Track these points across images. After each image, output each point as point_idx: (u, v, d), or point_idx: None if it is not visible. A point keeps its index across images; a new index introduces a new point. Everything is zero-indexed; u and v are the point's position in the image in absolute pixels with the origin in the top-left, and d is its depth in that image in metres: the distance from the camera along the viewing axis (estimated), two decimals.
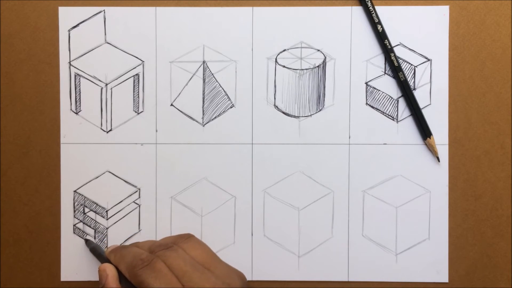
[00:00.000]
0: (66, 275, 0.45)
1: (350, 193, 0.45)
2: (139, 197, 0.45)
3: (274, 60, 0.45)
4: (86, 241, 0.45)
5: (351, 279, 0.45)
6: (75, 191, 0.45)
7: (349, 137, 0.45)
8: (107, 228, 0.45)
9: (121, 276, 0.39)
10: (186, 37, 0.45)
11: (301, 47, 0.45)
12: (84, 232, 0.45)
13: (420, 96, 0.45)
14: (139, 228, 0.45)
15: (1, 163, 0.45)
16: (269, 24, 0.45)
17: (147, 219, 0.45)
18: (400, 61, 0.45)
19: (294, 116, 0.45)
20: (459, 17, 0.45)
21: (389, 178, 0.45)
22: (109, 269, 0.39)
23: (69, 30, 0.45)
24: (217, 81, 0.45)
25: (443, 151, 0.45)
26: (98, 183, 0.45)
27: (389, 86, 0.45)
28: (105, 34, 0.45)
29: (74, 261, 0.45)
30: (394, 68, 0.44)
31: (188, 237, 0.41)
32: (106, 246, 0.45)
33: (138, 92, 0.45)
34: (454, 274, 0.45)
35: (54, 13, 0.45)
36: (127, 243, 0.45)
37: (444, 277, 0.45)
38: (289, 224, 0.45)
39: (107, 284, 0.39)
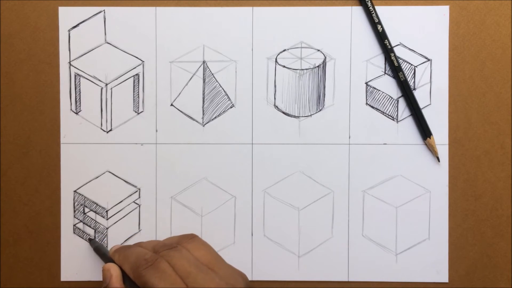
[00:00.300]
0: (66, 275, 0.45)
1: (350, 193, 0.45)
2: (139, 197, 0.45)
3: (274, 60, 0.45)
4: (90, 240, 0.45)
5: (351, 279, 0.45)
6: (75, 191, 0.45)
7: (349, 137, 0.45)
8: (107, 228, 0.45)
9: (125, 276, 0.39)
10: (186, 37, 0.45)
11: (301, 47, 0.45)
12: (84, 232, 0.45)
13: (420, 96, 0.45)
14: (139, 228, 0.45)
15: (1, 163, 0.45)
16: (269, 24, 0.45)
17: (147, 219, 0.45)
18: (400, 61, 0.45)
19: (294, 116, 0.45)
20: (459, 17, 0.45)
21: (389, 178, 0.45)
22: (113, 269, 0.39)
23: (69, 30, 0.45)
24: (217, 81, 0.45)
25: (443, 151, 0.45)
26: (98, 183, 0.45)
27: (389, 86, 0.45)
28: (105, 34, 0.45)
29: (74, 261, 0.45)
30: (394, 68, 0.44)
31: (192, 237, 0.41)
32: (107, 245, 0.45)
33: (138, 92, 0.45)
34: (454, 274, 0.45)
35: (54, 13, 0.45)
36: (127, 243, 0.45)
37: (444, 277, 0.45)
38: (289, 224, 0.45)
39: (111, 284, 0.39)
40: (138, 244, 0.42)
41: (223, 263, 0.40)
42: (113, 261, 0.41)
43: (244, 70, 0.45)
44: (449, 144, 0.45)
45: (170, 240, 0.42)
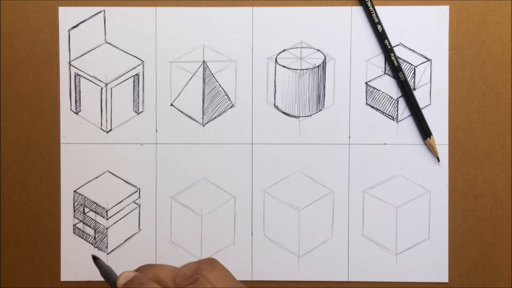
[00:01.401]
0: (66, 275, 0.45)
1: (350, 193, 0.45)
2: (139, 197, 0.45)
3: (274, 60, 0.45)
4: (95, 260, 0.37)
5: (351, 279, 0.45)
6: (75, 191, 0.45)
7: (349, 137, 0.45)
8: (107, 228, 0.45)
9: None
10: (186, 37, 0.45)
11: (301, 47, 0.45)
12: (84, 232, 0.45)
13: (420, 96, 0.45)
14: (139, 228, 0.45)
15: (1, 163, 0.45)
16: (269, 24, 0.45)
17: (147, 219, 0.45)
18: (400, 61, 0.45)
19: (294, 116, 0.45)
20: (459, 17, 0.45)
21: (389, 178, 0.45)
22: None
23: (69, 30, 0.45)
24: (217, 81, 0.45)
25: (443, 151, 0.45)
26: (98, 183, 0.45)
27: (389, 86, 0.45)
28: (105, 34, 0.45)
29: (74, 261, 0.45)
30: (394, 68, 0.44)
31: (211, 263, 0.36)
32: (106, 246, 0.45)
33: (138, 92, 0.45)
34: (454, 274, 0.45)
35: (54, 13, 0.45)
36: (127, 243, 0.45)
37: (444, 277, 0.45)
38: (289, 224, 0.45)
39: None
40: (155, 274, 0.36)
41: None
42: None
43: (244, 70, 0.45)
44: (449, 144, 0.45)
45: (189, 267, 0.35)
